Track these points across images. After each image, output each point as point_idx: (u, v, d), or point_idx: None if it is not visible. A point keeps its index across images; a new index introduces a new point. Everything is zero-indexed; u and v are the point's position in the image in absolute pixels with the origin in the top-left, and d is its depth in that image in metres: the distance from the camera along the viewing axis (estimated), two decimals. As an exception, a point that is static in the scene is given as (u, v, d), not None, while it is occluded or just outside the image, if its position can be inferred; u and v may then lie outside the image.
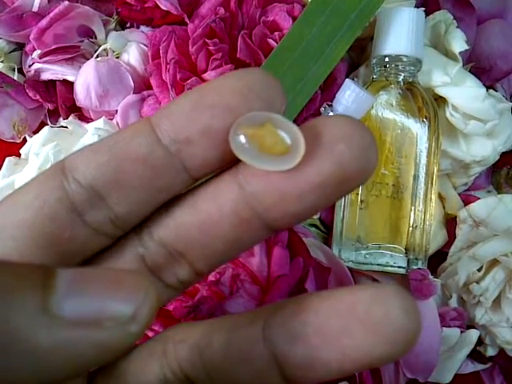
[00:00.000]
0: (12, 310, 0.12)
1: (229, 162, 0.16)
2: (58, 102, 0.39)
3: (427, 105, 0.36)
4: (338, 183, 0.14)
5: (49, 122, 0.40)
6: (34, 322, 0.12)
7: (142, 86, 0.39)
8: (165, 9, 0.36)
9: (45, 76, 0.39)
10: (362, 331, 0.14)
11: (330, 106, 0.34)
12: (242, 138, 0.14)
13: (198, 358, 0.16)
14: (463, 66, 0.37)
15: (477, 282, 0.35)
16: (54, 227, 0.15)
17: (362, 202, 0.36)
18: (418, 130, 0.36)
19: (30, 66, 0.40)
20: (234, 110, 0.15)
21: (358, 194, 0.36)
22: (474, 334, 0.35)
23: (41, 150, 0.34)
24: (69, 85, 0.39)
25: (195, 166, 0.15)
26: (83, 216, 0.16)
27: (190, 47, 0.35)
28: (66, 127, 0.37)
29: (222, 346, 0.16)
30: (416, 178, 0.36)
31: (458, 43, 0.36)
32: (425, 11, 0.36)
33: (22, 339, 0.12)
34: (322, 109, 0.35)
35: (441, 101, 0.37)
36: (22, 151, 0.37)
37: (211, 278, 0.31)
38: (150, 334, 0.29)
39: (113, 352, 0.13)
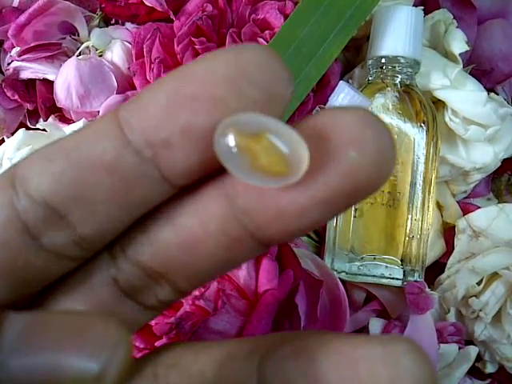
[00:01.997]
0: None
1: (219, 168, 0.13)
2: (37, 103, 0.38)
3: (425, 109, 0.34)
4: (345, 196, 0.12)
5: (28, 123, 0.39)
6: None
7: (126, 85, 0.37)
8: (149, 5, 0.34)
9: (24, 75, 0.38)
10: None
11: (323, 109, 0.32)
12: (231, 141, 0.11)
13: None
14: (463, 67, 0.35)
15: (476, 296, 0.33)
16: (5, 253, 0.13)
17: (356, 209, 0.35)
18: (416, 135, 0.34)
19: (8, 65, 0.38)
20: (221, 102, 0.12)
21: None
22: (472, 351, 0.33)
23: (15, 155, 0.32)
24: (49, 84, 0.37)
25: (176, 174, 0.13)
26: (39, 239, 0.13)
27: (176, 46, 0.33)
28: (43, 130, 0.35)
29: (215, 376, 0.14)
30: (413, 185, 0.34)
31: (458, 44, 0.35)
32: (423, 10, 0.35)
33: None
34: (315, 112, 0.33)
35: (440, 104, 0.36)
36: (-5, 155, 0.35)
37: (195, 292, 0.29)
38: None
39: None
